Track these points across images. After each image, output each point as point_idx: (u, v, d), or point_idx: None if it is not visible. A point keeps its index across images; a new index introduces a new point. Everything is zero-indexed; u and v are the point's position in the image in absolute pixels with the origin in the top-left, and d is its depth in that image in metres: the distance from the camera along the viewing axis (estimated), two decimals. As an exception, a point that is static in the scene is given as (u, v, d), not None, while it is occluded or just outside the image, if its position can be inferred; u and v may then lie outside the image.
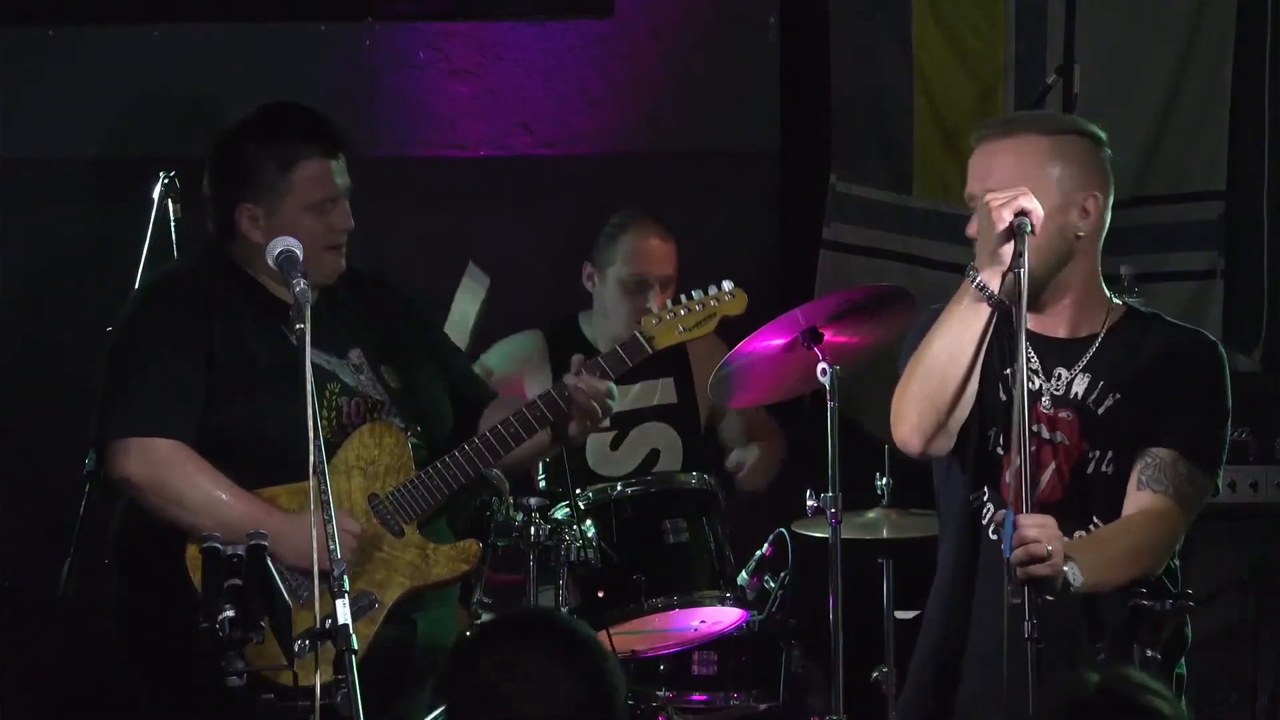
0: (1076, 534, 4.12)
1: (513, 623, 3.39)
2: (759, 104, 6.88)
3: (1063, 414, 4.19)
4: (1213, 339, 4.27)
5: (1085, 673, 2.93)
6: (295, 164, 4.76)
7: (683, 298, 5.00)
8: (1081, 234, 4.14)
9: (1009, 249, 4.02)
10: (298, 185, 4.76)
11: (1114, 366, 4.18)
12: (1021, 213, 4.02)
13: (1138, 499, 4.11)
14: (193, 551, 4.65)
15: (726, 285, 4.99)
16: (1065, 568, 3.93)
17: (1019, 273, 4.01)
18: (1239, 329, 6.48)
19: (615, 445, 6.18)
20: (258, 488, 4.67)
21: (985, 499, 4.22)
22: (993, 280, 4.04)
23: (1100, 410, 4.17)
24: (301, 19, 6.54)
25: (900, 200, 6.77)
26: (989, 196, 4.06)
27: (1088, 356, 4.20)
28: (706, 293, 5.00)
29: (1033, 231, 4.02)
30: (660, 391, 6.21)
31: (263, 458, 4.67)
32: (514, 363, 6.13)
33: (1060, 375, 4.20)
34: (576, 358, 4.89)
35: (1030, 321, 4.07)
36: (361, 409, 4.82)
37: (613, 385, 4.87)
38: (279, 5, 6.56)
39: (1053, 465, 4.17)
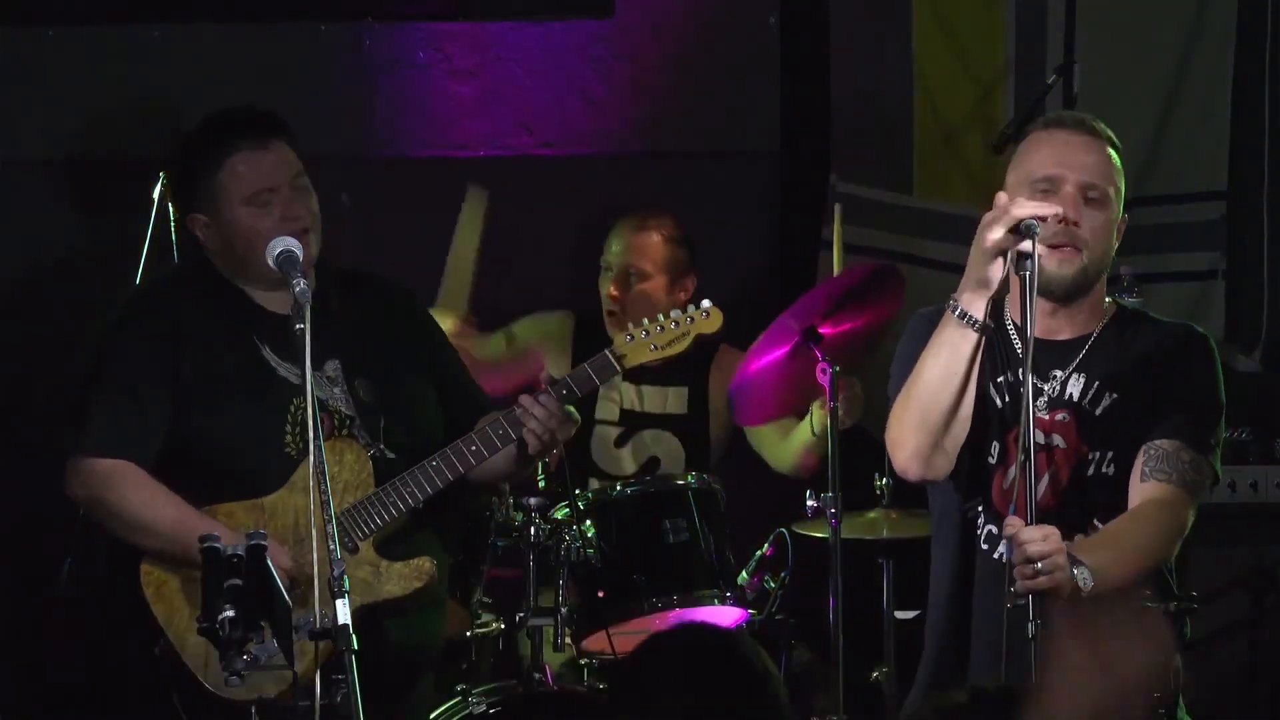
0: (1076, 537, 4.11)
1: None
2: (759, 104, 6.87)
3: (1059, 416, 4.19)
4: (1202, 331, 4.29)
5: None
6: (222, 162, 4.75)
7: (660, 317, 4.97)
8: (1115, 249, 4.19)
9: (997, 270, 4.00)
10: (228, 183, 4.73)
11: (1107, 366, 4.19)
12: (1021, 222, 4.02)
13: (1143, 490, 4.11)
14: (145, 566, 4.66)
15: (705, 304, 4.97)
16: (1075, 571, 3.92)
17: (1026, 274, 4.00)
18: (1239, 329, 6.48)
19: (620, 443, 6.18)
20: (219, 503, 4.66)
21: (979, 509, 4.22)
22: (975, 306, 4.04)
23: (1098, 410, 4.17)
24: (301, 19, 6.54)
25: (900, 200, 6.77)
26: (987, 216, 4.05)
27: (1080, 357, 4.20)
28: (683, 311, 4.98)
29: (1038, 233, 4.02)
30: (670, 400, 6.20)
31: (226, 473, 4.67)
32: (538, 337, 6.15)
33: (1055, 376, 4.20)
34: (544, 375, 4.89)
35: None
36: (326, 425, 4.79)
37: (572, 410, 4.85)
38: (279, 5, 6.56)
39: (1049, 470, 4.17)
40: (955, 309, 4.05)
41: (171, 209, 5.73)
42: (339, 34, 6.56)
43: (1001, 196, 4.10)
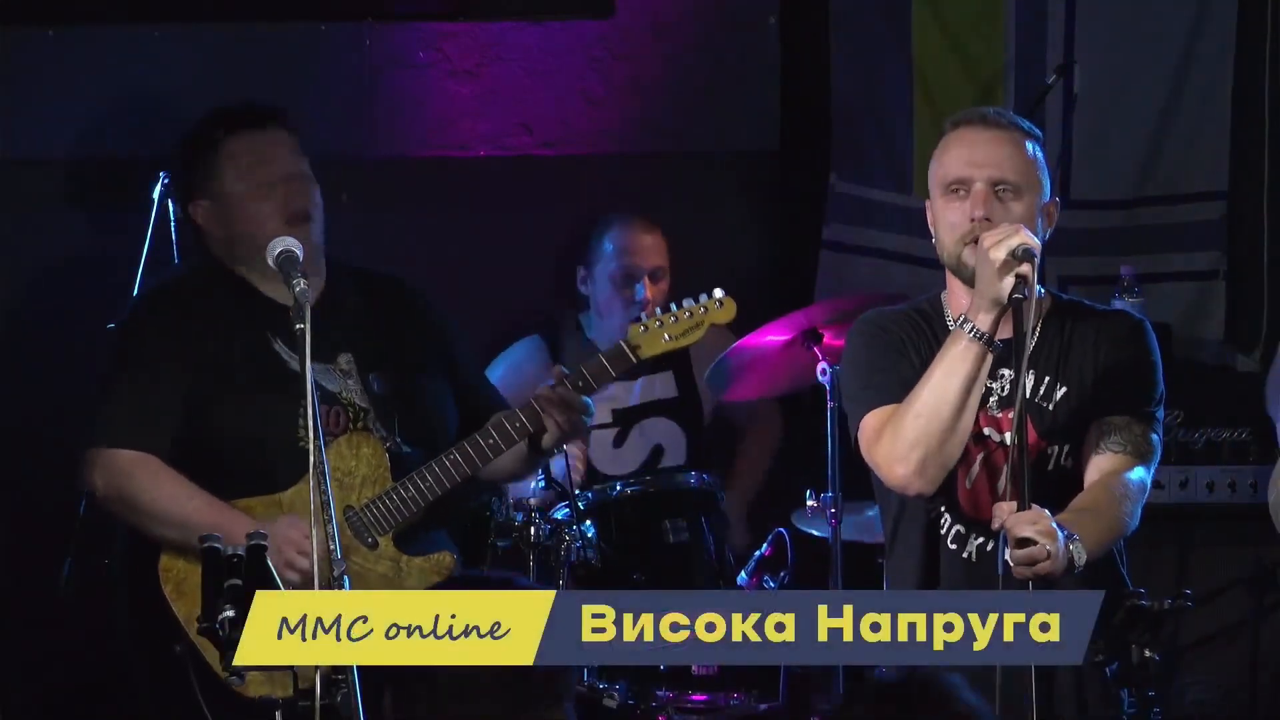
0: None
1: None
2: (759, 104, 6.87)
3: (1011, 414, 4.19)
4: (1140, 317, 4.34)
5: None
6: (220, 144, 4.80)
7: (672, 306, 4.95)
8: (1046, 239, 4.18)
9: (1007, 286, 4.01)
10: (225, 163, 4.78)
11: (1052, 359, 4.22)
12: (1022, 247, 4.02)
13: (1103, 462, 4.15)
14: (165, 562, 4.66)
15: (718, 293, 4.95)
16: (1070, 547, 3.94)
17: (1023, 295, 3.99)
18: (1239, 329, 6.48)
19: (618, 443, 6.18)
20: (237, 498, 4.67)
21: (942, 510, 4.22)
22: (987, 323, 4.04)
23: (1050, 405, 4.20)
24: (301, 19, 6.54)
25: (900, 200, 6.77)
26: (985, 239, 4.05)
27: (1026, 354, 4.20)
28: (696, 301, 4.96)
29: (1034, 259, 4.02)
30: (660, 385, 6.21)
31: (241, 468, 4.67)
32: (516, 371, 6.10)
33: (1004, 375, 4.19)
34: (555, 369, 4.86)
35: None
36: (341, 418, 4.79)
37: (588, 400, 4.83)
38: (279, 5, 6.56)
39: (1007, 468, 4.16)
40: (968, 327, 4.05)
41: (173, 208, 5.74)
42: (339, 34, 6.56)
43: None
